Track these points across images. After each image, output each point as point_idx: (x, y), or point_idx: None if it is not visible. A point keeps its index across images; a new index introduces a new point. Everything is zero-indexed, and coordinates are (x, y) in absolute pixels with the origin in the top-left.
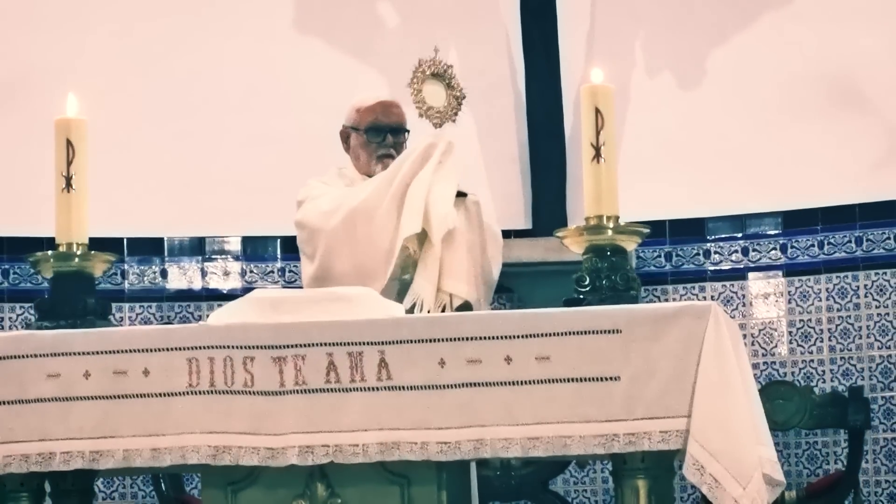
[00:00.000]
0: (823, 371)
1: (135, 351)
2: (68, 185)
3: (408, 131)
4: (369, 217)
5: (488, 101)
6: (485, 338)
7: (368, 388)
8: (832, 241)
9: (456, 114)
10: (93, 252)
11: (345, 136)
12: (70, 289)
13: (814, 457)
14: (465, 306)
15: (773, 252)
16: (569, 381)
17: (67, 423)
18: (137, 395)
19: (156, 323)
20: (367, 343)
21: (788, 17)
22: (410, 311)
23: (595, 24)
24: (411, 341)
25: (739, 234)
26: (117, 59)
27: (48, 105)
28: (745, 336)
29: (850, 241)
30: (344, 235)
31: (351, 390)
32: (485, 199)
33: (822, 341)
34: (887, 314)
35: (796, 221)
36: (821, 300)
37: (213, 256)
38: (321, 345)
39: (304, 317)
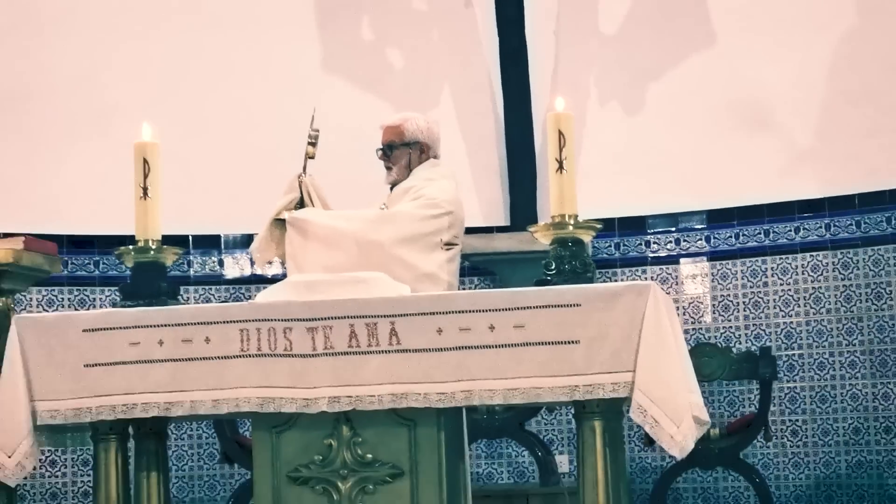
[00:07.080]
0: (739, 335)
1: (198, 324)
2: (145, 194)
3: (406, 145)
4: None
5: (474, 126)
6: (474, 311)
7: (382, 351)
8: (746, 233)
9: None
10: (165, 246)
11: None
12: (147, 275)
13: (732, 402)
14: None
15: (699, 242)
16: (540, 344)
17: (146, 381)
18: (201, 359)
19: (215, 301)
20: (381, 316)
21: (712, 56)
22: None
23: (558, 65)
24: (416, 314)
25: (673, 229)
26: (181, 88)
27: (129, 132)
28: (677, 308)
29: (760, 233)
30: None
31: (369, 353)
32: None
33: (738, 311)
34: (789, 290)
35: (718, 218)
36: (737, 279)
37: None
38: (345, 317)
39: (332, 296)
